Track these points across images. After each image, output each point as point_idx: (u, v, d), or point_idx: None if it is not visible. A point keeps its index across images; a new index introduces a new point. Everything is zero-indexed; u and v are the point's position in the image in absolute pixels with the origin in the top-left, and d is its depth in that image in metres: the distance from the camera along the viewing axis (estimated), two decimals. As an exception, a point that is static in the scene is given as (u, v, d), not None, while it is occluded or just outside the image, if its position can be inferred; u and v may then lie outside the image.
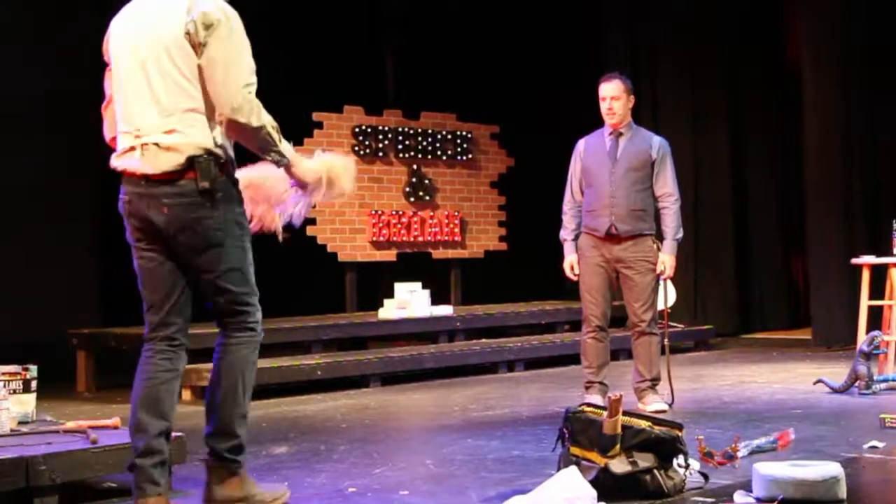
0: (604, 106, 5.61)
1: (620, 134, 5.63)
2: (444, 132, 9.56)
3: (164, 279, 3.45)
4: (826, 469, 3.46)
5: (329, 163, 3.61)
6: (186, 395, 6.51)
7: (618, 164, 5.57)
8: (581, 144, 5.77)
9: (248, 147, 3.45)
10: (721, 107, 9.95)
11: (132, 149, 3.40)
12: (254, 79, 3.38)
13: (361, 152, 8.98)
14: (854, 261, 7.26)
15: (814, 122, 9.02)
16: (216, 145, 3.37)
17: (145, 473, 3.34)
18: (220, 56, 3.32)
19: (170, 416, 3.43)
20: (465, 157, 9.68)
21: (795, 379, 6.79)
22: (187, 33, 3.32)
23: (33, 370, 4.24)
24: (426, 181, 9.42)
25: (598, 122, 5.74)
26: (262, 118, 3.36)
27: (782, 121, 10.22)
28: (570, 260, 5.68)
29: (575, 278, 5.69)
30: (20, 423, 4.10)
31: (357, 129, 9.01)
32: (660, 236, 5.65)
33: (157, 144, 3.35)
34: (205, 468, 3.53)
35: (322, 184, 3.56)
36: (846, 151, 8.93)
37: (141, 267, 3.48)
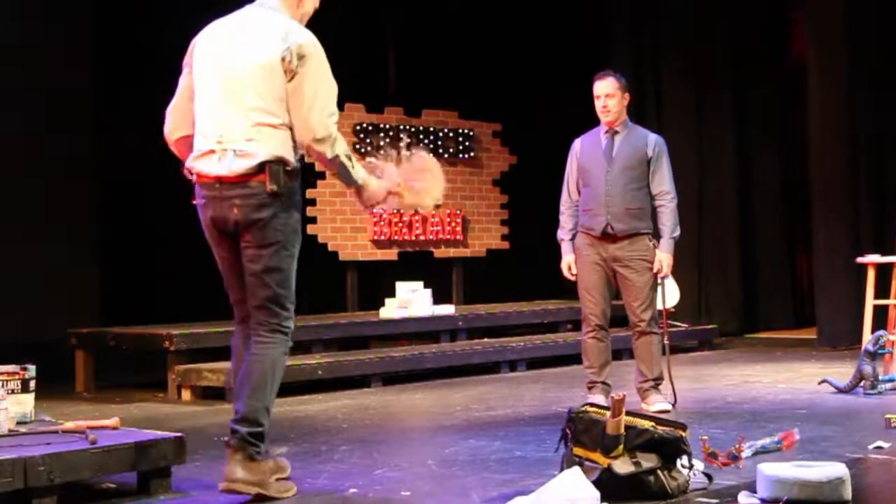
0: (598, 104, 5.57)
1: (616, 132, 5.60)
2: (445, 130, 9.52)
3: (241, 277, 3.79)
4: (831, 470, 3.44)
5: (401, 185, 3.99)
6: (186, 395, 6.49)
7: (614, 162, 5.55)
8: (577, 144, 5.74)
9: (324, 167, 3.89)
10: (726, 106, 9.93)
11: (211, 152, 3.74)
12: (336, 109, 3.76)
13: (362, 150, 8.95)
14: (859, 260, 7.22)
15: (819, 121, 8.99)
16: (288, 155, 3.72)
17: (237, 436, 3.66)
18: (309, 87, 3.68)
19: None
20: (467, 156, 9.64)
21: (800, 379, 6.76)
22: (282, 59, 3.67)
23: (32, 370, 4.20)
24: (428, 179, 9.36)
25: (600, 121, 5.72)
26: (335, 149, 3.73)
27: (787, 119, 10.20)
28: (567, 260, 5.66)
29: (573, 278, 5.67)
30: (18, 423, 4.07)
31: (358, 127, 8.98)
32: (657, 235, 5.61)
33: (234, 151, 3.70)
34: (226, 450, 3.70)
35: (385, 201, 4.01)
36: (851, 150, 8.90)
37: (221, 268, 3.87)
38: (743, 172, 10.01)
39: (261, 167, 3.67)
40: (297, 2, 3.85)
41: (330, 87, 3.73)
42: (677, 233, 5.55)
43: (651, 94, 9.97)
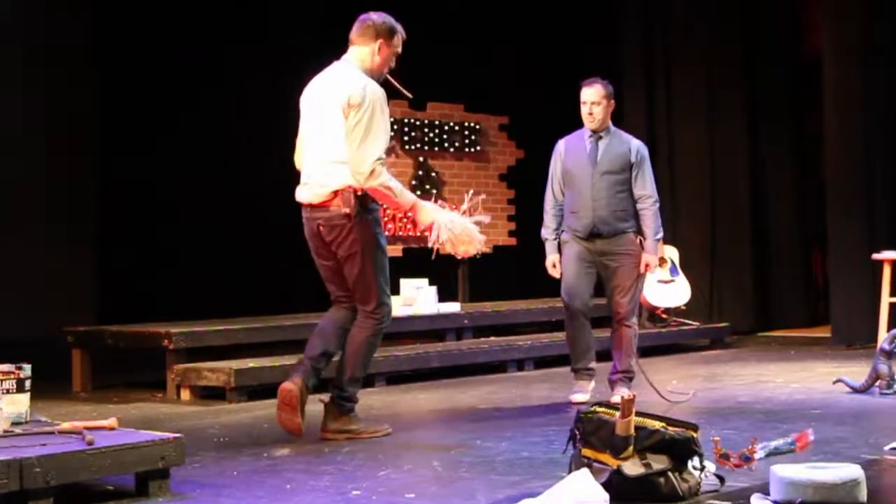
0: (584, 110, 5.80)
1: (600, 137, 5.79)
2: (451, 123, 9.44)
3: (335, 274, 4.89)
4: (846, 471, 3.39)
5: (446, 221, 4.86)
6: (186, 395, 6.46)
7: (598, 166, 5.75)
8: (561, 145, 5.92)
9: (375, 197, 4.73)
10: (738, 103, 9.89)
11: (305, 184, 4.84)
12: (383, 154, 4.65)
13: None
14: (875, 256, 7.15)
15: (833, 118, 8.94)
16: (356, 183, 4.66)
17: (302, 367, 4.79)
18: (357, 129, 4.63)
19: (333, 345, 4.88)
20: (473, 149, 9.56)
21: (814, 378, 6.70)
22: (345, 106, 4.64)
23: (27, 369, 4.15)
24: (433, 174, 9.31)
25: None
26: (371, 181, 4.62)
27: (801, 117, 10.14)
28: (552, 258, 5.87)
29: (558, 276, 5.84)
30: (13, 423, 4.02)
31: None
32: (641, 233, 5.78)
33: (317, 184, 4.76)
34: (323, 407, 4.84)
35: (436, 229, 4.82)
36: (867, 146, 8.84)
37: (320, 267, 4.94)
38: (756, 170, 9.97)
39: (334, 194, 4.68)
40: (370, 57, 4.79)
41: (376, 131, 4.60)
42: (660, 234, 5.82)
43: (663, 92, 9.91)
